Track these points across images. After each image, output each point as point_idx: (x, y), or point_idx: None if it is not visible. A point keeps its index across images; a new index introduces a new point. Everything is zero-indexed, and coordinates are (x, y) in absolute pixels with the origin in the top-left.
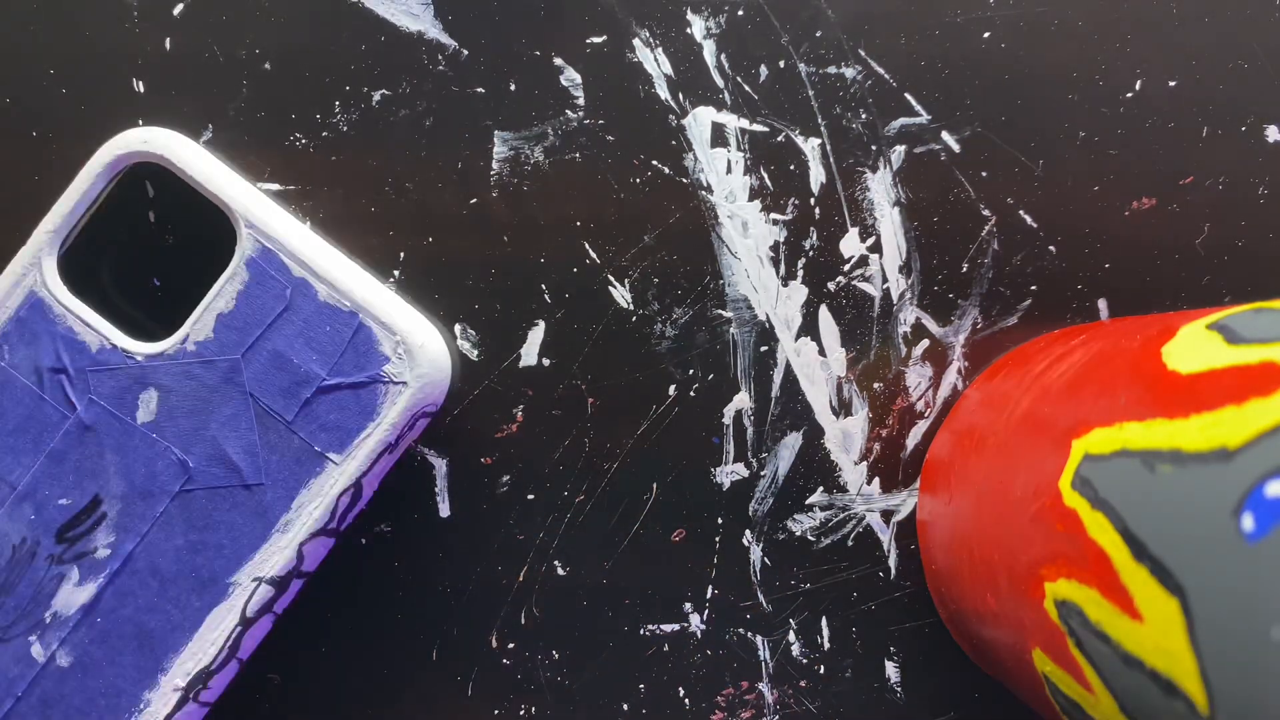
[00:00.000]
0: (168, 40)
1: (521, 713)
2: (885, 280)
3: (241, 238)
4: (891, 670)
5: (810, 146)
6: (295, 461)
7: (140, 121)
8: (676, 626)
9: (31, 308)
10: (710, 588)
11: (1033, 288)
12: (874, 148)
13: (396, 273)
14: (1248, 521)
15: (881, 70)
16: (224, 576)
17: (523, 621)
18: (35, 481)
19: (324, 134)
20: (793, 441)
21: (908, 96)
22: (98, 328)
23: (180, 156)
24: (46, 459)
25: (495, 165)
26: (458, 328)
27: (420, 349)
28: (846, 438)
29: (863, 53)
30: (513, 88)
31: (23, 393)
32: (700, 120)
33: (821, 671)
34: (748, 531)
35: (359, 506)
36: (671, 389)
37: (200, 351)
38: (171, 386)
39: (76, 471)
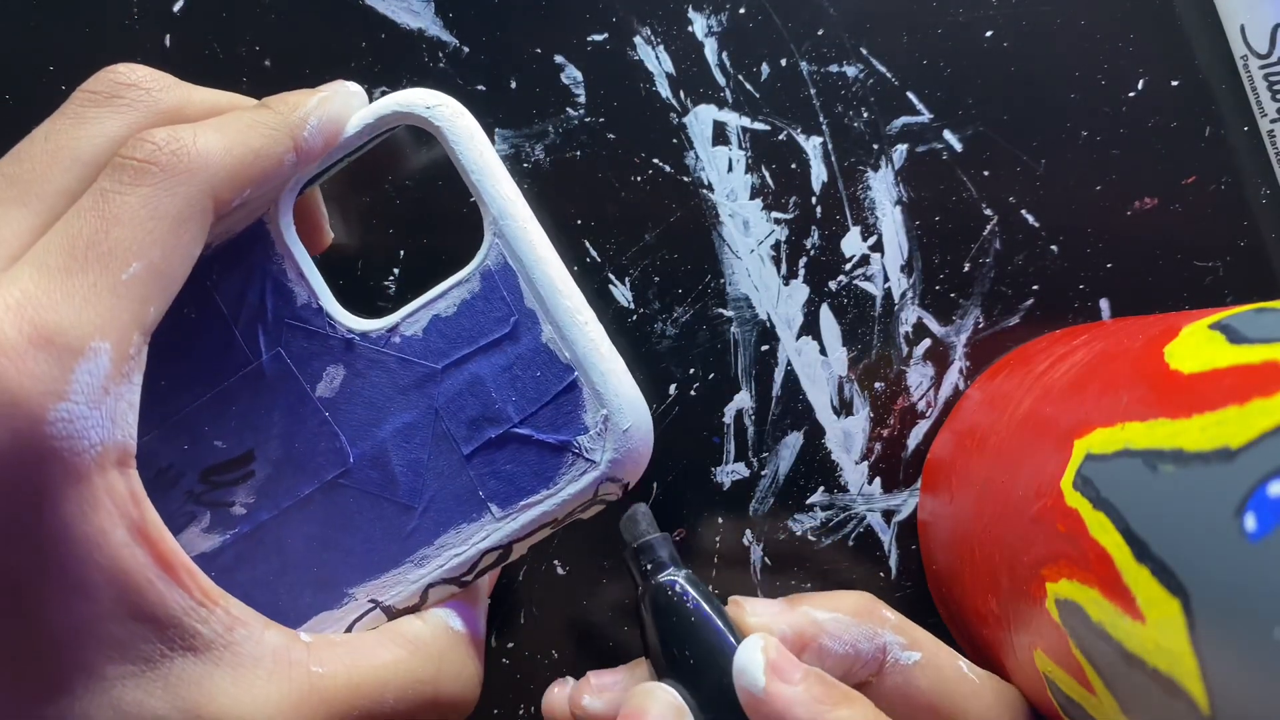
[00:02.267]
0: (167, 37)
1: (521, 713)
2: (887, 279)
3: (487, 244)
4: None
5: (812, 145)
6: (455, 498)
7: None
8: None
9: (253, 236)
10: (710, 587)
11: (1035, 287)
12: (876, 146)
13: (396, 270)
14: (1250, 521)
15: (883, 69)
16: (343, 585)
17: (522, 621)
18: (199, 414)
19: None
20: (793, 441)
21: (910, 95)
22: (312, 282)
23: (458, 136)
24: (216, 395)
25: None
26: None
27: (624, 433)
28: (847, 437)
29: (865, 51)
30: (513, 85)
31: (215, 319)
32: (701, 118)
33: None
34: (748, 531)
35: (499, 567)
36: (672, 388)
37: (403, 347)
38: (361, 371)
39: (240, 419)
